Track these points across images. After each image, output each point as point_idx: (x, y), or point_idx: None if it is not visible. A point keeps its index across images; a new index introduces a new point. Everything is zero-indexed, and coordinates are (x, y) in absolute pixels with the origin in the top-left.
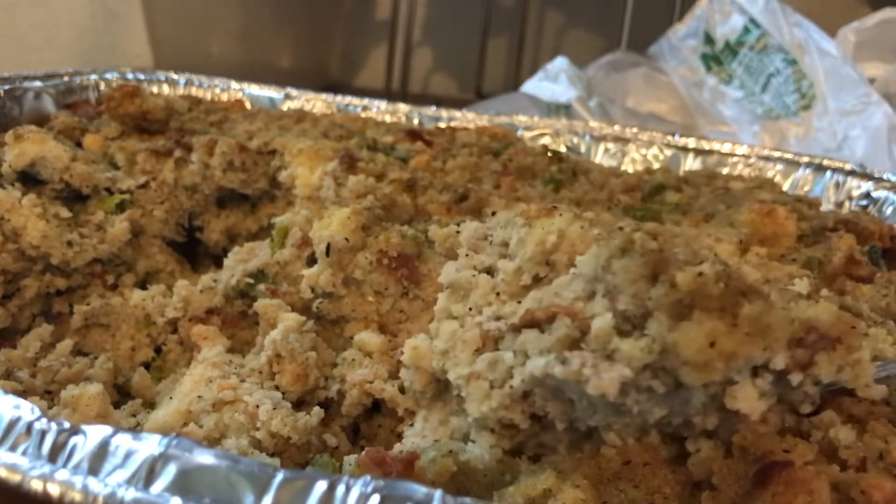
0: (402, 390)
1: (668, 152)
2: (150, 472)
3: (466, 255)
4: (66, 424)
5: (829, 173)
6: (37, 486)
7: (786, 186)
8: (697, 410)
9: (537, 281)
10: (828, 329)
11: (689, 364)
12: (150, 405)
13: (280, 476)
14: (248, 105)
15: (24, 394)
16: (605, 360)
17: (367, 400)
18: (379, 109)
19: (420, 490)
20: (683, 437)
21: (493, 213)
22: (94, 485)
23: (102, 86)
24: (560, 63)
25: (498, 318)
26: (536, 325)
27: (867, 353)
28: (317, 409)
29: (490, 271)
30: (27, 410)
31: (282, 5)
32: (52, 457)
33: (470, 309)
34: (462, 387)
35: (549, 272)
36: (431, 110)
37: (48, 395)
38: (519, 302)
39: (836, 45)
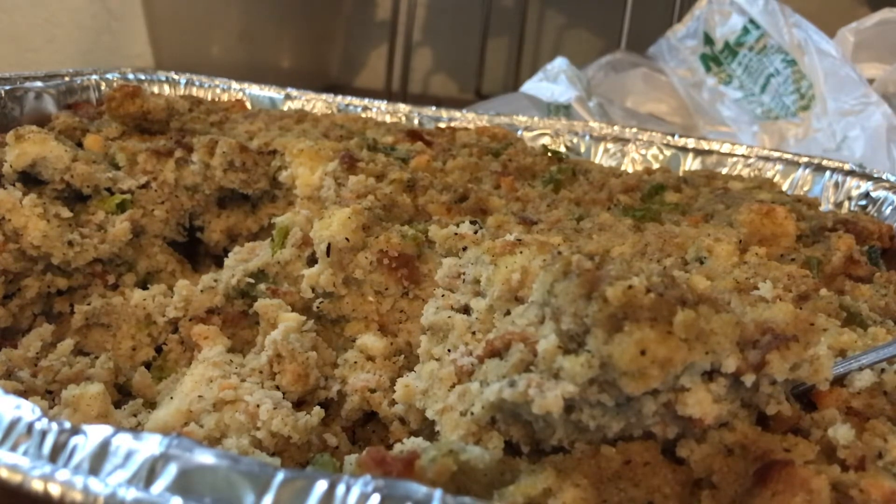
0: (402, 420)
1: (668, 152)
2: (150, 472)
3: (443, 296)
4: (67, 424)
5: (828, 173)
6: (38, 486)
7: (785, 186)
8: (653, 420)
9: (508, 316)
10: (783, 328)
11: (625, 374)
12: (151, 405)
13: (280, 476)
14: (248, 105)
15: (24, 394)
16: (551, 380)
17: (367, 407)
18: (379, 110)
19: (420, 490)
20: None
21: (464, 249)
22: (95, 485)
23: (103, 86)
24: (560, 63)
25: (470, 354)
26: (497, 353)
27: (824, 349)
28: (317, 408)
29: (466, 309)
30: (28, 410)
31: (282, 6)
32: (53, 457)
33: (449, 350)
34: (438, 420)
35: (518, 307)
36: (431, 111)
37: (49, 395)
38: None
39: (836, 46)
